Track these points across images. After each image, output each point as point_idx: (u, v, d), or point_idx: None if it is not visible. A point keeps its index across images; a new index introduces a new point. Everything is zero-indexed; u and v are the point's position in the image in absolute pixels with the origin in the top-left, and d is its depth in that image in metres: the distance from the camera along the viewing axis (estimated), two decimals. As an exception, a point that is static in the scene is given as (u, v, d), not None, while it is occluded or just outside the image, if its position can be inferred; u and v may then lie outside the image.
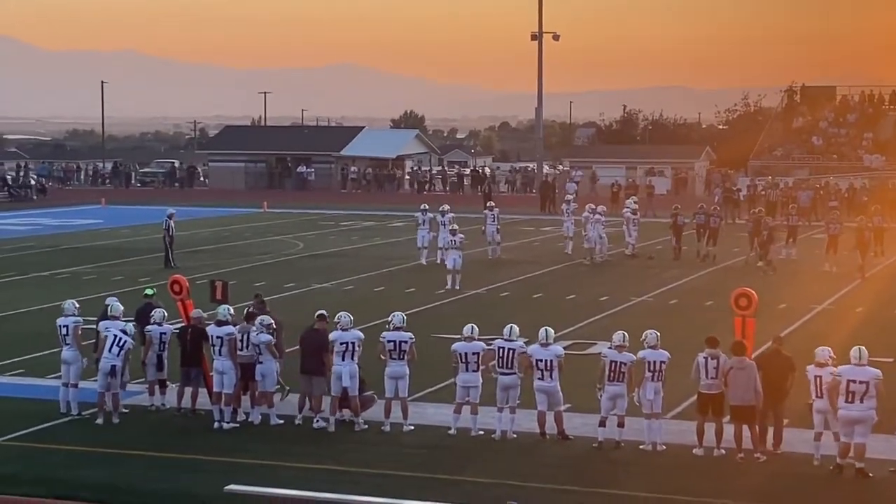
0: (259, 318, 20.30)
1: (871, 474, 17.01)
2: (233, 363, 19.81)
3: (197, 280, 30.85)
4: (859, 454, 17.06)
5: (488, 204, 45.19)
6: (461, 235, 36.21)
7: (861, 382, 17.05)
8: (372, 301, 31.93)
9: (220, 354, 19.88)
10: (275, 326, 20.18)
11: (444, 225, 39.56)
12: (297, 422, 19.76)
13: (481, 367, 19.32)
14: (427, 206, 42.50)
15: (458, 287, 34.39)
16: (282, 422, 19.77)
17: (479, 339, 19.42)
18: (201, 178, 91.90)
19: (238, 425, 19.80)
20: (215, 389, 19.95)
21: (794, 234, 42.28)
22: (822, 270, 38.14)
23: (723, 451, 18.08)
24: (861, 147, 77.19)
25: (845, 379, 17.14)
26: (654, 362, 18.47)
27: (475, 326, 19.54)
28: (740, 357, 18.08)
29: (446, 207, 41.63)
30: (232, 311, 20.49)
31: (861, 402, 17.03)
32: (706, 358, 18.35)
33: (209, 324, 20.47)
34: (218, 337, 19.90)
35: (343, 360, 19.43)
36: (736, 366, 18.03)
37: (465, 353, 19.21)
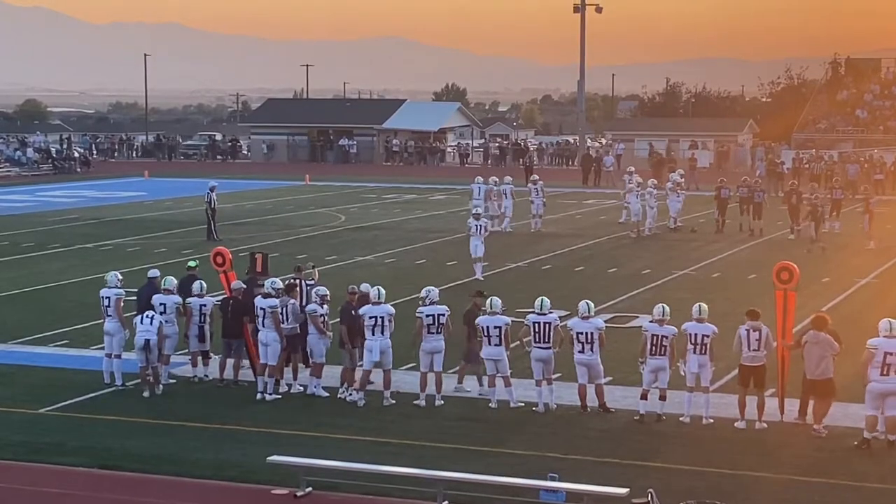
0: (315, 289, 20.35)
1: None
2: (277, 335, 19.90)
3: (239, 252, 31.00)
4: (891, 427, 16.94)
5: (532, 178, 45.16)
6: (486, 220, 34.29)
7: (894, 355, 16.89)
8: (413, 274, 31.96)
9: (263, 326, 19.96)
10: (328, 298, 20.18)
11: (537, 193, 42.75)
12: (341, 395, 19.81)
13: (516, 342, 19.32)
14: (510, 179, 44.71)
15: (481, 277, 31.51)
16: (327, 395, 19.84)
17: (502, 314, 19.38)
18: (245, 152, 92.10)
19: (280, 396, 19.90)
20: (260, 361, 20.04)
21: (837, 207, 41.92)
22: (867, 248, 37.50)
23: (765, 425, 18.01)
24: (907, 120, 76.38)
25: (882, 351, 17.01)
26: (697, 335, 18.38)
27: (498, 300, 19.50)
28: (817, 332, 17.82)
29: (536, 177, 44.48)
30: (279, 283, 20.58)
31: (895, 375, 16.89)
32: (748, 330, 18.25)
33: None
34: (261, 308, 19.97)
35: (373, 334, 19.43)
36: (811, 340, 17.81)
37: (488, 327, 19.21)
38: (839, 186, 44.54)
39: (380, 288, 19.86)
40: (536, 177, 45.25)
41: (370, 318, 19.46)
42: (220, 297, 21.47)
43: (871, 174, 58.41)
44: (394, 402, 19.41)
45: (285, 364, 20.31)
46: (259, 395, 19.82)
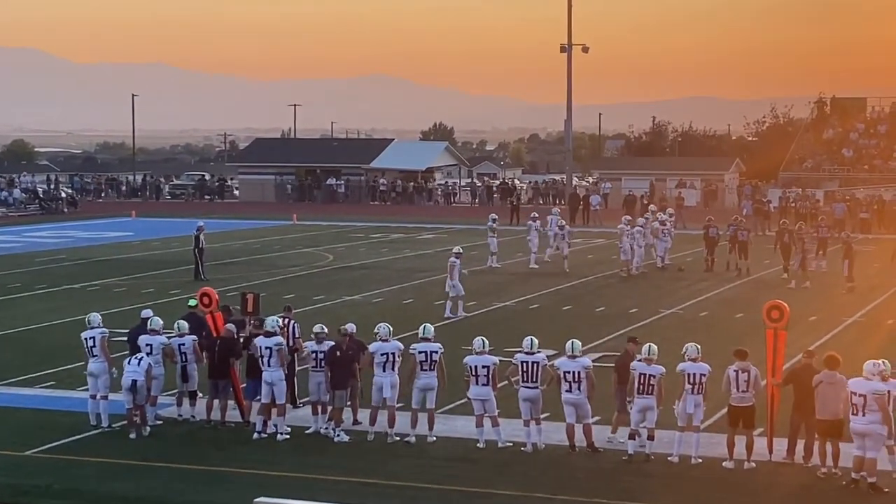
0: (316, 326, 20.41)
1: (886, 490, 16.81)
2: (283, 374, 19.87)
3: (227, 292, 30.94)
4: (868, 469, 16.91)
5: (532, 214, 46.02)
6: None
7: (860, 395, 16.93)
8: (401, 313, 31.93)
9: (269, 365, 19.88)
10: (324, 336, 20.15)
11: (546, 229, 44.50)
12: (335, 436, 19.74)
13: (505, 381, 19.30)
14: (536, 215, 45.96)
15: (458, 314, 31.71)
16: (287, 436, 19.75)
17: (489, 353, 19.38)
18: (234, 191, 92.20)
19: (267, 436, 19.81)
20: (264, 401, 19.94)
21: (823, 245, 42.00)
22: (848, 286, 37.36)
23: (753, 465, 17.99)
24: (892, 158, 76.79)
25: (849, 390, 17.08)
26: (695, 374, 18.36)
27: (485, 340, 19.52)
28: (832, 371, 17.71)
29: (535, 215, 45.93)
30: (280, 321, 20.53)
31: (863, 414, 16.89)
32: (736, 371, 18.26)
33: (257, 335, 20.50)
34: (267, 348, 19.89)
35: (384, 371, 19.47)
36: (826, 380, 17.66)
37: (476, 367, 19.21)
38: (825, 225, 44.68)
39: (388, 325, 19.87)
40: (536, 214, 45.77)
41: (381, 354, 19.49)
42: (205, 337, 21.37)
43: (856, 213, 58.69)
44: (406, 439, 19.36)
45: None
46: (256, 435, 19.68)
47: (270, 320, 20.42)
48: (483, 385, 19.15)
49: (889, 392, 17.10)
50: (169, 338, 21.05)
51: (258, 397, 20.44)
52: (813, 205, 60.70)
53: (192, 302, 22.75)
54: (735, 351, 18.66)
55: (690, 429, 18.36)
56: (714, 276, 40.66)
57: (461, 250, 33.15)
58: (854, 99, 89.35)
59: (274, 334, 20.07)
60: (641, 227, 42.57)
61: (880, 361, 17.49)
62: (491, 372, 19.16)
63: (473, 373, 19.19)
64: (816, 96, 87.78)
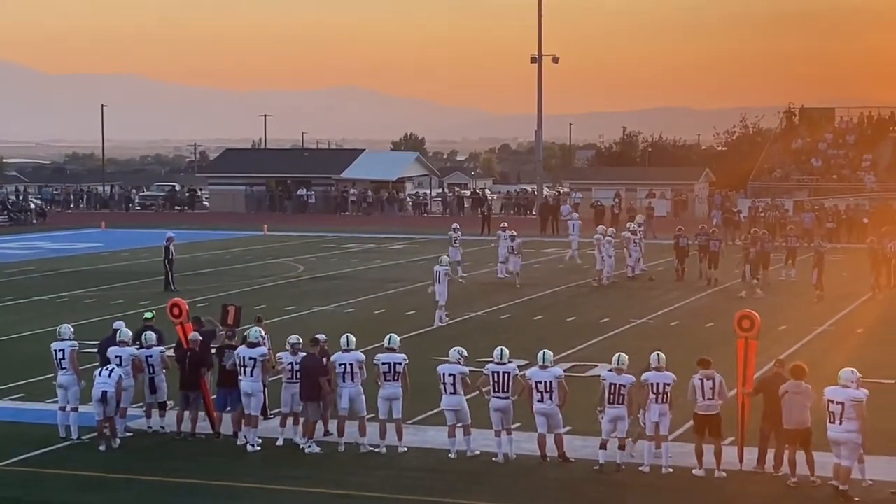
0: (288, 338, 20.35)
1: (857, 499, 16.84)
2: (262, 385, 19.82)
3: (198, 303, 30.84)
4: (842, 477, 16.97)
5: (502, 225, 45.64)
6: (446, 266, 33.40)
7: (838, 403, 17.00)
8: (372, 323, 31.90)
9: (250, 376, 19.81)
10: (299, 347, 20.08)
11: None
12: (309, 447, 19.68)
13: (476, 391, 19.27)
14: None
15: (439, 323, 32.35)
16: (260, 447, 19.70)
17: (463, 363, 19.34)
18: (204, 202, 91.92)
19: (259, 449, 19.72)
20: (245, 411, 19.86)
21: (792, 255, 42.22)
22: (816, 294, 37.49)
23: (723, 474, 18.03)
24: (861, 168, 77.30)
25: (825, 399, 17.14)
26: (658, 384, 18.41)
27: (461, 350, 19.53)
28: (798, 381, 17.76)
29: (505, 225, 45.26)
30: (263, 332, 20.49)
31: (840, 423, 16.98)
32: (701, 380, 18.32)
33: (229, 346, 20.47)
34: (251, 358, 19.82)
35: (343, 381, 19.47)
36: (792, 389, 17.71)
37: (443, 374, 19.23)
38: (794, 234, 44.91)
39: (350, 335, 19.84)
40: (506, 224, 45.61)
41: (340, 365, 19.48)
42: (173, 348, 21.28)
43: (824, 222, 59.04)
44: (373, 448, 19.31)
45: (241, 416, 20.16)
46: (249, 447, 19.63)
47: (254, 331, 20.35)
48: (452, 394, 19.16)
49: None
50: (138, 349, 20.96)
51: (228, 409, 20.39)
52: (782, 214, 61.01)
53: (149, 315, 22.65)
54: (699, 360, 18.72)
55: (659, 438, 18.40)
56: (685, 286, 40.79)
57: (460, 258, 33.92)
58: (823, 109, 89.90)
59: (257, 345, 20.01)
60: (612, 237, 42.64)
61: (854, 369, 17.59)
62: (457, 381, 19.14)
63: (443, 381, 19.21)
64: (786, 106, 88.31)
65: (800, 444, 17.66)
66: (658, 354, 18.72)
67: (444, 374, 19.21)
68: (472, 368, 20.03)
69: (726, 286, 40.52)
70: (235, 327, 21.66)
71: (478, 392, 19.46)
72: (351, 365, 19.47)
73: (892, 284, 39.73)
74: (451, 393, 19.15)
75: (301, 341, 20.25)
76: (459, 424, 19.20)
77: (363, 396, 19.56)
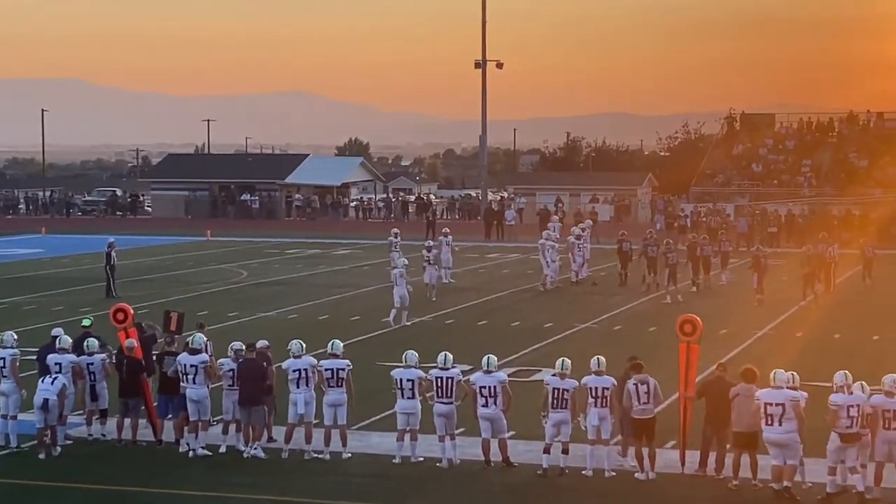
0: (231, 344, 20.27)
1: (798, 498, 16.98)
2: (207, 391, 19.72)
3: (140, 309, 30.57)
4: (787, 475, 17.12)
5: (444, 230, 45.27)
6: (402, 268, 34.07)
7: (777, 405, 17.17)
8: (316, 329, 31.80)
9: (193, 383, 19.70)
10: (243, 353, 20.02)
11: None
12: (246, 452, 19.57)
13: (420, 396, 19.31)
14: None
15: (399, 323, 32.99)
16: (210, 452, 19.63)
17: (418, 367, 19.36)
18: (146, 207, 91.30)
19: (210, 453, 19.62)
20: (192, 418, 19.72)
21: (725, 259, 42.71)
22: (756, 303, 37.67)
23: (654, 475, 18.14)
24: (800, 174, 78.11)
25: (762, 402, 17.27)
26: (597, 388, 18.50)
27: (415, 353, 19.52)
28: (748, 385, 17.87)
29: (447, 230, 44.54)
30: (205, 338, 20.35)
31: (780, 424, 17.13)
32: (636, 384, 18.43)
33: (170, 352, 20.36)
34: (192, 365, 19.71)
35: (298, 387, 19.40)
36: (743, 393, 17.81)
37: (401, 380, 19.22)
38: (726, 239, 45.41)
39: (300, 342, 19.78)
40: (447, 230, 45.46)
41: (294, 371, 19.41)
42: (115, 354, 21.12)
43: (763, 227, 59.55)
44: (317, 455, 19.23)
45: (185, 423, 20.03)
46: (191, 453, 19.51)
47: (198, 337, 20.22)
48: (409, 399, 19.14)
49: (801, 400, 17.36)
50: (78, 356, 20.78)
51: (170, 416, 20.26)
52: (724, 219, 61.57)
53: (87, 322, 22.44)
54: (631, 364, 18.82)
55: (600, 442, 18.49)
56: (627, 291, 41.00)
57: (407, 262, 34.63)
58: (763, 115, 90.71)
59: (199, 351, 19.90)
60: (555, 241, 42.75)
61: (791, 372, 17.76)
62: (415, 385, 19.13)
63: (399, 386, 19.18)
64: (727, 112, 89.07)
65: (748, 447, 17.82)
66: (598, 358, 18.82)
67: (401, 380, 19.16)
68: (423, 375, 19.92)
69: (667, 291, 40.68)
70: (178, 333, 21.53)
71: (421, 397, 19.42)
72: (306, 370, 19.43)
73: (830, 290, 40.13)
74: (408, 398, 19.12)
75: (244, 347, 20.16)
76: (409, 428, 19.18)
77: (314, 402, 19.52)
